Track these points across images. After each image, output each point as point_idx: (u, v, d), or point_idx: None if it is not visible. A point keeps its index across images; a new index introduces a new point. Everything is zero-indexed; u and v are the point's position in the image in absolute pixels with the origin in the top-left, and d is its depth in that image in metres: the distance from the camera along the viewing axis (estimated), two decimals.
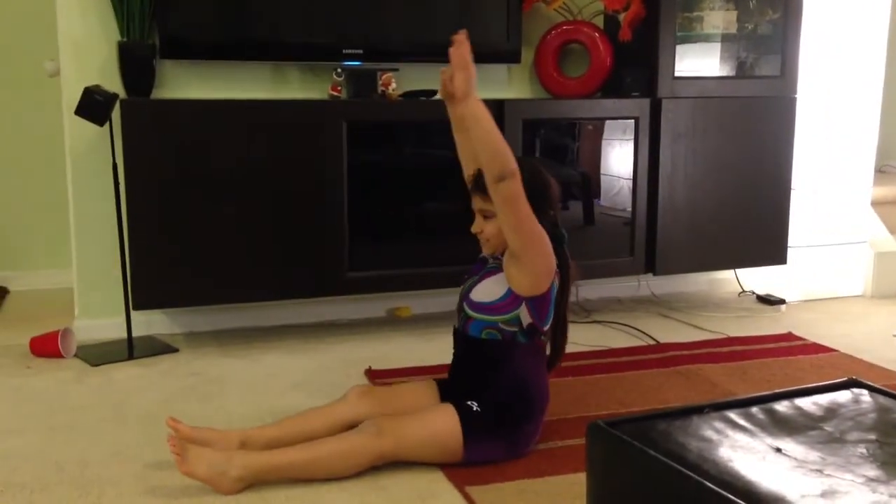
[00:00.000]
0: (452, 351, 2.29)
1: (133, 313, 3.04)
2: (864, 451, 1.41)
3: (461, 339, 2.24)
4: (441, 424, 2.10)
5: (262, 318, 3.37)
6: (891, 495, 1.26)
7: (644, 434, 1.44)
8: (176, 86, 3.17)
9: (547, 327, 2.20)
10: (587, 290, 3.78)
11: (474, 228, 2.19)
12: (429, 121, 3.18)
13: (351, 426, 2.16)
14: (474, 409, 2.12)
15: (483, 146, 1.99)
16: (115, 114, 2.90)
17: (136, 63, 3.01)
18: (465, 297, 2.22)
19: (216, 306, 3.25)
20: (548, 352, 2.26)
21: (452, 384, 2.26)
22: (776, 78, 3.59)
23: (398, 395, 2.28)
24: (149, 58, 3.02)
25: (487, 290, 2.16)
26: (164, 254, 2.95)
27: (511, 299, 2.13)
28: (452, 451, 2.10)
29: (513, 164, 1.98)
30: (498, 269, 2.17)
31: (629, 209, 3.45)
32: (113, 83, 3.02)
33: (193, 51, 3.08)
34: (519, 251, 2.07)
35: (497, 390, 2.14)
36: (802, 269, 3.94)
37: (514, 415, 2.15)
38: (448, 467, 2.11)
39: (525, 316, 2.13)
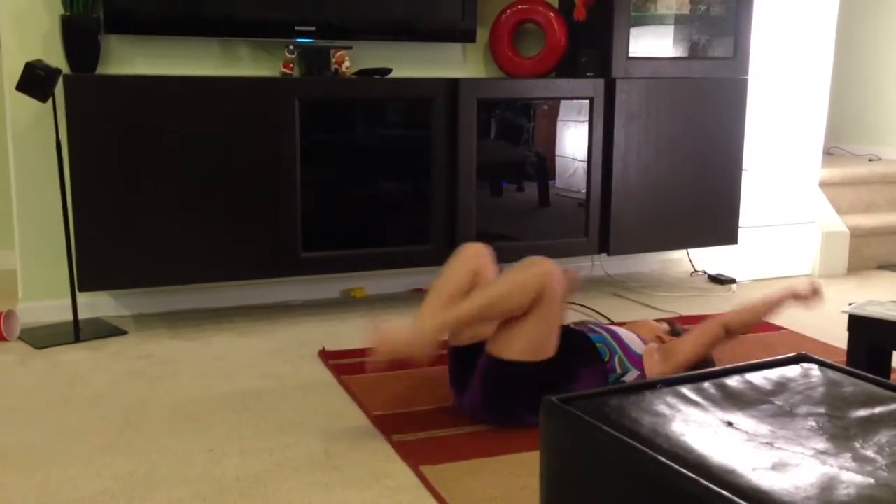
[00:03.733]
0: None
1: (79, 295, 2.97)
2: (814, 424, 1.43)
3: None
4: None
5: (213, 300, 3.32)
6: (840, 467, 1.27)
7: (597, 410, 1.44)
8: (122, 61, 3.09)
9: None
10: None
11: None
12: (382, 99, 3.15)
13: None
14: None
15: None
16: (59, 90, 2.82)
17: (79, 37, 2.92)
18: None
19: (165, 288, 3.19)
20: None
21: None
22: (728, 59, 3.62)
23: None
24: (93, 32, 2.94)
25: None
26: (110, 233, 2.88)
27: None
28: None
29: None
30: None
31: (584, 190, 3.46)
32: (56, 58, 2.93)
33: (140, 25, 3.00)
34: None
35: None
36: (753, 249, 4.00)
37: None
38: (400, 446, 2.10)
39: None
